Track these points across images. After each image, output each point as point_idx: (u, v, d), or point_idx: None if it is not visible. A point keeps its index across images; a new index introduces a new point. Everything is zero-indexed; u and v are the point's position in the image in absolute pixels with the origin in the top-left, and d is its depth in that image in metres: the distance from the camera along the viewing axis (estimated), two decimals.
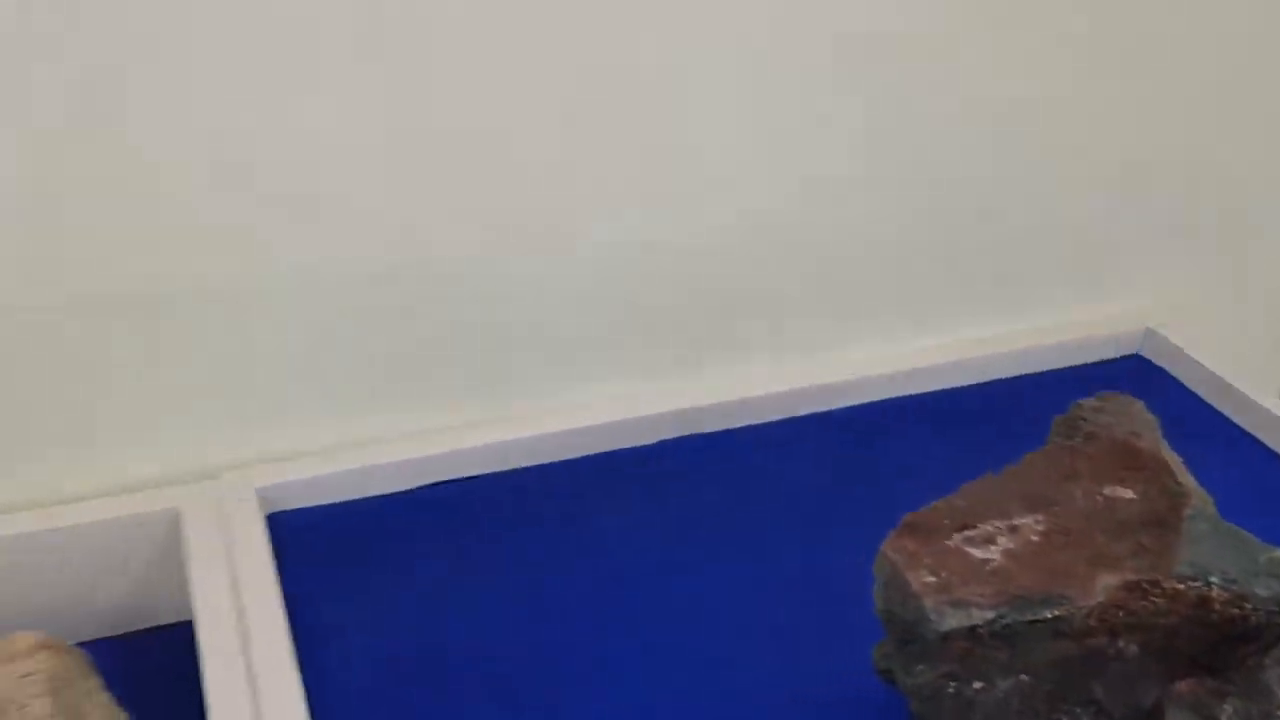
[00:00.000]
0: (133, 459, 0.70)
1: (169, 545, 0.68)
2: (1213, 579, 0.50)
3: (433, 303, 0.72)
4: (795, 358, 0.82)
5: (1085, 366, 0.86)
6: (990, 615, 0.49)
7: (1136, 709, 0.52)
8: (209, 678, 0.58)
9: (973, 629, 0.49)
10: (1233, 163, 0.88)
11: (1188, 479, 0.57)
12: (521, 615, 0.65)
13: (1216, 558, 0.51)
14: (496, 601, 0.66)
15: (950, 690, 0.52)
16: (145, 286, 0.66)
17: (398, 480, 0.73)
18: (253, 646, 0.60)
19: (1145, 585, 0.50)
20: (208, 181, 0.65)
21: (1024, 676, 0.52)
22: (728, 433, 0.78)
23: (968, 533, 0.52)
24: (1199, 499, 0.55)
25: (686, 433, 0.77)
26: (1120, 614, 0.50)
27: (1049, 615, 0.50)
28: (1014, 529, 0.53)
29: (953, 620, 0.49)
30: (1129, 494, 0.55)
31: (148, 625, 0.70)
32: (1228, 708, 0.50)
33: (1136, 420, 0.60)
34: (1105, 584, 0.50)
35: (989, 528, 0.52)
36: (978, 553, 0.51)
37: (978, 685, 0.52)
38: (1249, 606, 0.50)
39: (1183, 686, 0.51)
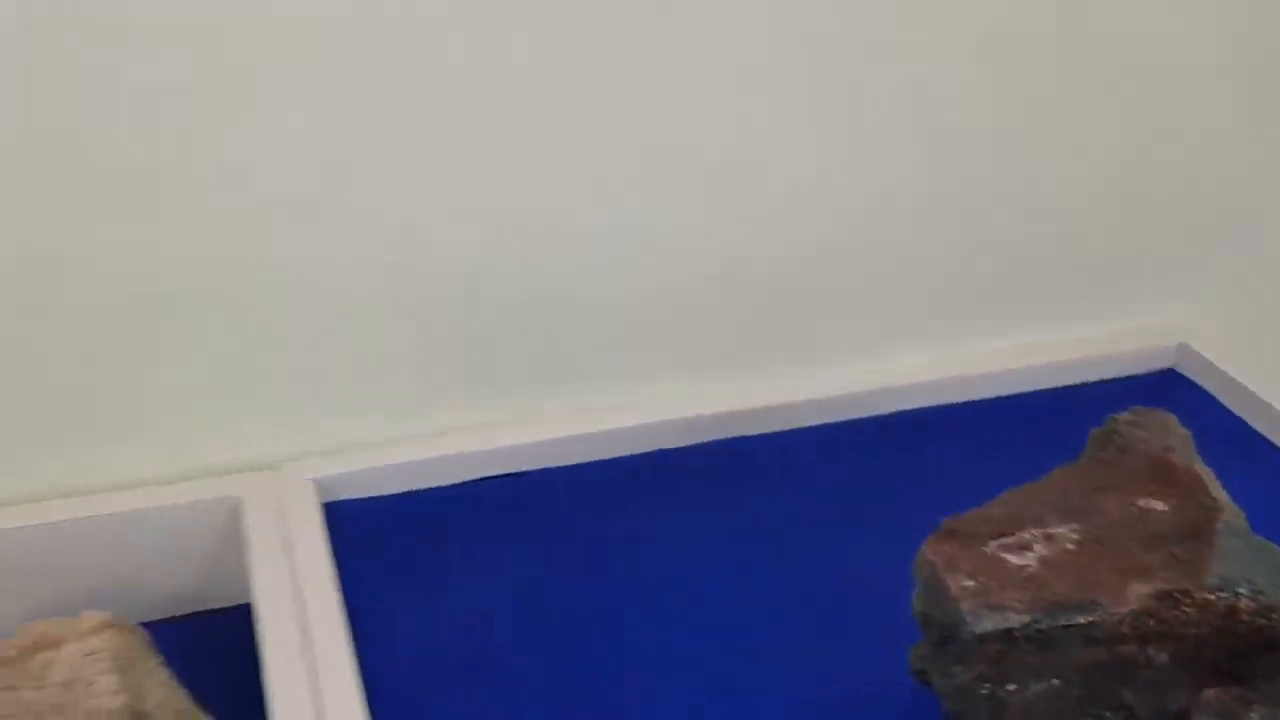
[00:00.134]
0: (196, 448, 0.72)
1: (229, 531, 0.71)
2: (1241, 590, 0.52)
3: (486, 303, 0.74)
4: (833, 364, 0.84)
5: (1120, 380, 0.87)
6: (1025, 619, 0.51)
7: (1164, 714, 0.53)
8: (268, 659, 0.61)
9: (1008, 632, 0.51)
10: (1271, 177, 0.88)
11: (1220, 493, 0.58)
12: (563, 609, 0.67)
13: (1246, 570, 0.53)
14: (541, 594, 0.68)
15: (984, 692, 0.54)
16: (215, 284, 0.69)
17: (450, 474, 0.75)
18: (310, 629, 0.62)
19: (1176, 595, 0.52)
20: (287, 179, 0.67)
21: (1055, 680, 0.53)
22: (766, 436, 0.80)
23: (1004, 540, 0.54)
24: (1231, 513, 0.57)
25: (725, 436, 0.79)
26: (1151, 622, 0.52)
27: (1082, 621, 0.51)
28: (1049, 537, 0.54)
29: (988, 623, 0.51)
30: (1162, 506, 0.57)
31: (206, 608, 0.73)
32: (1254, 715, 0.51)
33: (1170, 434, 0.62)
34: (1137, 593, 0.52)
35: (1025, 535, 0.54)
36: (1014, 559, 0.53)
37: (1011, 687, 0.53)
38: (1276, 617, 0.52)
39: (1210, 694, 0.52)
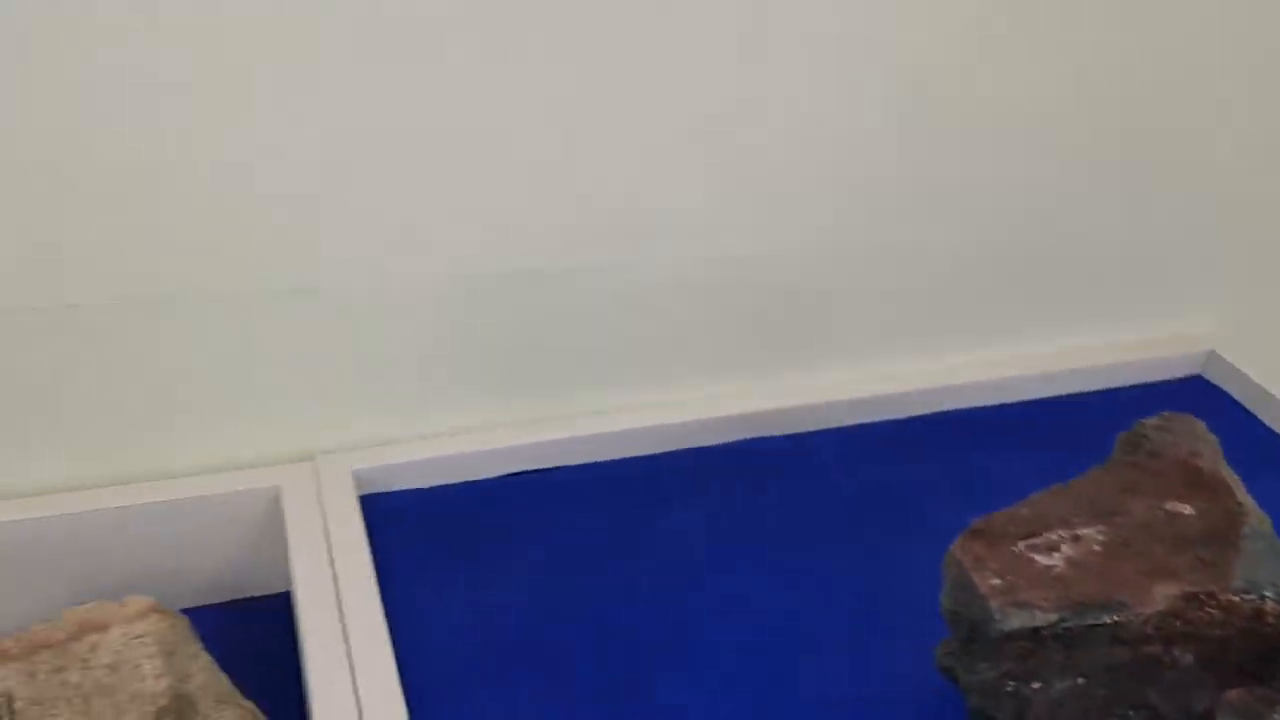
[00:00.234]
0: (238, 439, 0.74)
1: (268, 521, 0.72)
2: (1266, 593, 0.53)
3: (522, 303, 0.75)
4: (864, 367, 0.85)
5: (1148, 386, 0.87)
6: (1052, 618, 0.52)
7: (1189, 715, 0.54)
8: (307, 645, 0.62)
9: (1035, 630, 0.52)
10: None
11: (1246, 498, 0.59)
12: (594, 602, 0.68)
13: (1271, 573, 0.53)
14: (569, 587, 0.69)
15: (1009, 689, 0.54)
16: (263, 284, 0.70)
17: (483, 469, 0.76)
18: (348, 616, 0.63)
19: (1202, 597, 0.53)
20: (317, 177, 0.68)
21: (1080, 679, 0.54)
22: (794, 436, 0.81)
23: (1032, 540, 0.55)
24: (1256, 518, 0.58)
25: (758, 435, 0.80)
26: (1177, 623, 0.53)
27: (1108, 621, 0.52)
28: (1076, 538, 0.55)
29: (1016, 621, 0.52)
30: (1188, 510, 0.57)
31: (244, 595, 0.74)
32: (1277, 716, 0.52)
33: (1198, 440, 0.62)
34: (1163, 594, 0.53)
35: (1053, 536, 0.55)
36: (1041, 559, 0.54)
37: (1035, 685, 0.54)
38: None
39: (1233, 694, 0.53)
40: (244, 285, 0.70)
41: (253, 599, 0.74)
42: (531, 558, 0.71)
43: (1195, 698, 0.54)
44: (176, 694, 0.60)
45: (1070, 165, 0.82)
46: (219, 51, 0.63)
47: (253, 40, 0.64)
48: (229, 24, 0.63)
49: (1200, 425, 0.64)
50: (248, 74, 0.64)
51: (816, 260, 0.80)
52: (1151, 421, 0.63)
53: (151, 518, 0.70)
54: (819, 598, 0.69)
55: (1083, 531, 0.56)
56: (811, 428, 0.81)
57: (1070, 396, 0.86)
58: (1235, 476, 0.60)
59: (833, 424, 0.82)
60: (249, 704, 0.63)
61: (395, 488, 0.75)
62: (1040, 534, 0.55)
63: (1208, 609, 0.53)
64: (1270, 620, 0.52)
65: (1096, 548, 0.55)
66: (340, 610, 0.64)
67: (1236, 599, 0.53)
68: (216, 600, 0.74)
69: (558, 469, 0.77)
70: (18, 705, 0.59)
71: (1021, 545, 0.55)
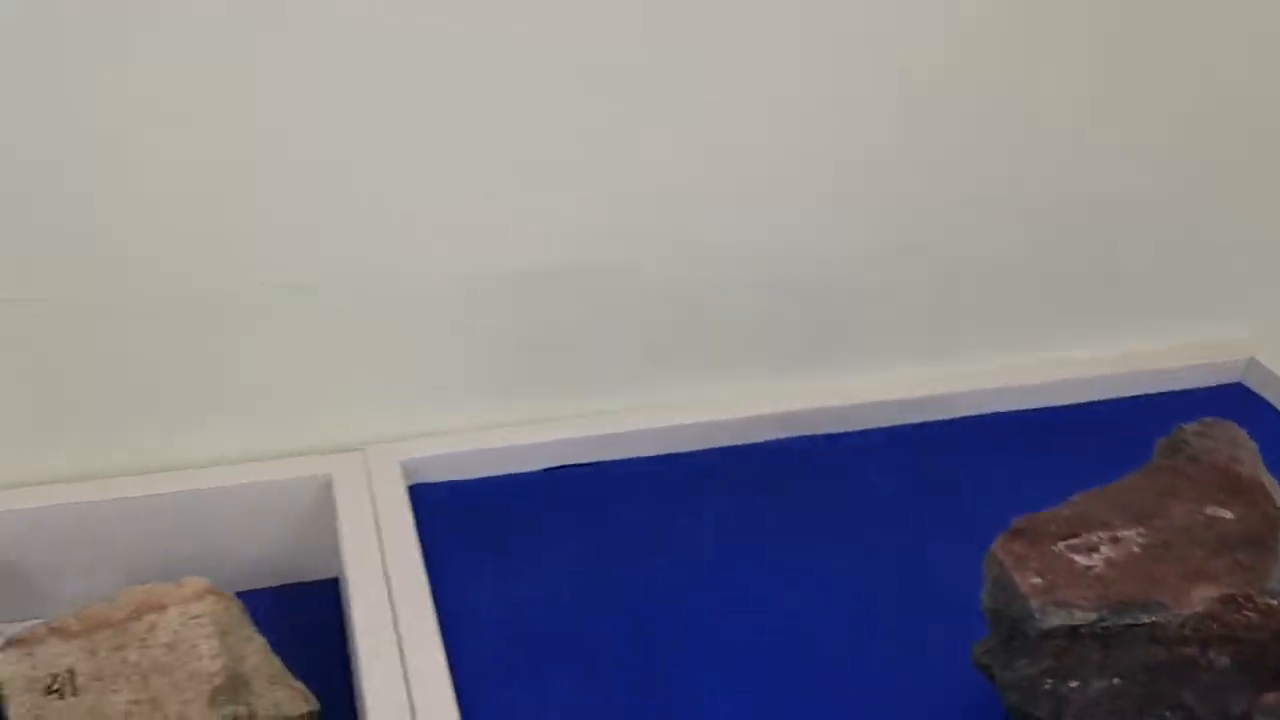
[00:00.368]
0: (292, 428, 0.76)
1: (319, 508, 0.74)
2: None
3: (568, 301, 0.77)
4: (905, 369, 0.86)
5: (1188, 392, 0.88)
6: (1091, 617, 0.53)
7: (1224, 717, 0.55)
8: (357, 630, 0.64)
9: (1074, 629, 0.53)
10: None
11: None
12: (629, 595, 0.70)
13: None
14: (608, 579, 0.70)
15: (1046, 687, 0.55)
16: (316, 281, 0.72)
17: (526, 462, 0.78)
18: (397, 601, 0.65)
19: (1240, 599, 0.53)
20: (379, 181, 0.70)
21: (1117, 679, 0.55)
22: (832, 436, 0.82)
23: (1072, 540, 0.56)
24: None
25: (797, 434, 0.81)
26: (1214, 625, 0.53)
27: (1146, 621, 0.53)
28: (1116, 540, 0.56)
29: (1055, 619, 0.53)
30: (1227, 514, 0.58)
31: (293, 580, 0.76)
32: None
33: (1238, 445, 0.63)
34: (1201, 596, 0.53)
35: (1093, 537, 0.56)
36: (1081, 559, 0.55)
37: (1073, 684, 0.55)
38: None
39: (1270, 697, 0.54)
40: (305, 281, 0.72)
41: (301, 584, 0.76)
42: (569, 549, 0.73)
43: (1231, 700, 0.55)
44: (231, 673, 0.62)
45: (1112, 170, 0.83)
46: (299, 50, 0.65)
47: (325, 38, 0.65)
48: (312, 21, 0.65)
49: (1240, 431, 0.64)
50: (308, 74, 0.66)
51: (850, 261, 0.81)
52: (1192, 427, 0.64)
53: (207, 502, 0.72)
54: (852, 596, 0.70)
55: (1122, 533, 0.56)
56: (844, 428, 0.82)
57: (1109, 402, 0.86)
58: (1275, 482, 0.61)
59: (867, 425, 0.83)
60: (299, 684, 0.65)
61: (441, 479, 0.76)
62: (1080, 535, 0.56)
63: (1245, 612, 0.53)
64: None
65: (1136, 549, 0.56)
66: (390, 595, 0.66)
67: (1274, 603, 0.53)
68: (266, 584, 0.75)
69: (597, 464, 0.79)
70: (79, 681, 0.61)
71: (1062, 545, 0.55)
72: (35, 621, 0.65)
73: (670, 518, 0.75)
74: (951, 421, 0.84)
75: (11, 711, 0.60)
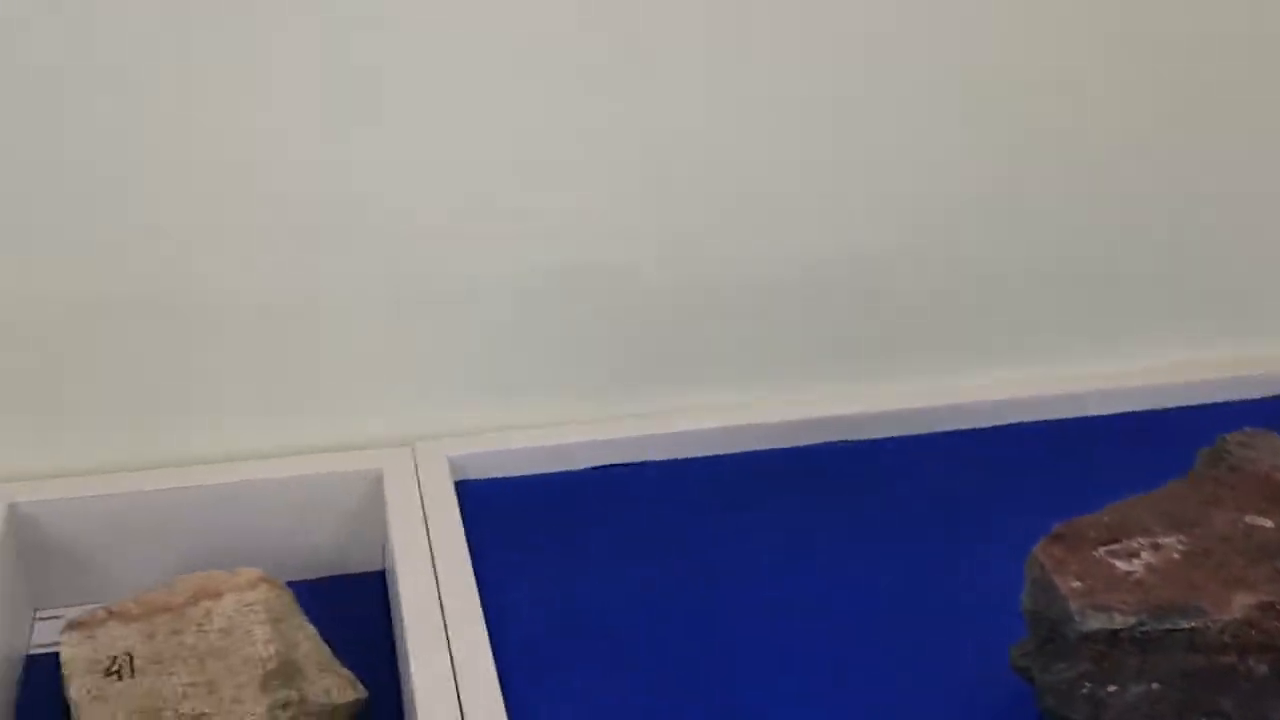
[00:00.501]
0: (343, 423, 0.78)
1: (369, 501, 0.76)
2: None
3: (616, 302, 0.78)
4: (953, 376, 0.86)
5: (1231, 404, 0.88)
6: (1130, 621, 0.53)
7: None
8: (406, 619, 0.65)
9: (1114, 633, 0.53)
10: None
11: None
12: (672, 595, 0.70)
13: None
14: (651, 578, 0.71)
15: (1084, 691, 0.56)
16: (366, 284, 0.74)
17: (571, 460, 0.79)
18: (444, 593, 0.66)
19: (1279, 608, 0.54)
20: (440, 179, 0.72)
21: (1155, 685, 0.55)
22: (876, 441, 0.83)
23: (1113, 546, 0.56)
24: None
25: (846, 438, 0.82)
26: (1253, 632, 0.54)
27: (1185, 626, 0.53)
28: (1156, 546, 0.57)
29: (1095, 622, 0.53)
30: (1269, 524, 0.58)
31: (341, 572, 0.77)
32: None
33: None
34: (1240, 603, 0.54)
35: (1133, 543, 0.56)
36: (1121, 565, 0.55)
37: (1111, 688, 0.55)
38: None
39: None
40: (359, 280, 0.74)
41: (348, 575, 0.78)
42: (613, 547, 0.74)
43: (1270, 708, 0.55)
44: (284, 660, 0.64)
45: (1157, 180, 0.83)
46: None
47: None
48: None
49: None
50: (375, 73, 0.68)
51: (897, 270, 0.82)
52: (1234, 436, 0.64)
53: (261, 494, 0.74)
54: (891, 598, 0.70)
55: (1163, 540, 0.57)
56: (888, 434, 0.83)
57: (1152, 412, 0.86)
58: None
59: (909, 431, 0.83)
60: (347, 672, 0.66)
61: (487, 475, 0.78)
62: (1121, 540, 0.57)
63: None
64: None
65: (1176, 556, 0.56)
66: (437, 588, 0.67)
67: None
68: (314, 575, 0.77)
69: (642, 464, 0.80)
70: (137, 663, 0.63)
71: (1102, 551, 0.56)
72: (96, 606, 0.67)
73: (711, 519, 0.76)
74: (996, 429, 0.84)
75: (73, 691, 0.62)
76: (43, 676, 0.68)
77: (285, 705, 0.62)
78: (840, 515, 0.77)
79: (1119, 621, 0.53)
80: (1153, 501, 0.60)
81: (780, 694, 0.64)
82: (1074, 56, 0.77)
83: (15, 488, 0.71)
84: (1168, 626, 0.53)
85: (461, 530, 0.71)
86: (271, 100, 0.67)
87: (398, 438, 0.78)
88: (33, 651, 0.71)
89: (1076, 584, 0.54)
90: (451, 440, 0.78)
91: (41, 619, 0.73)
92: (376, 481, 0.75)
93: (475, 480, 0.77)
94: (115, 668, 0.63)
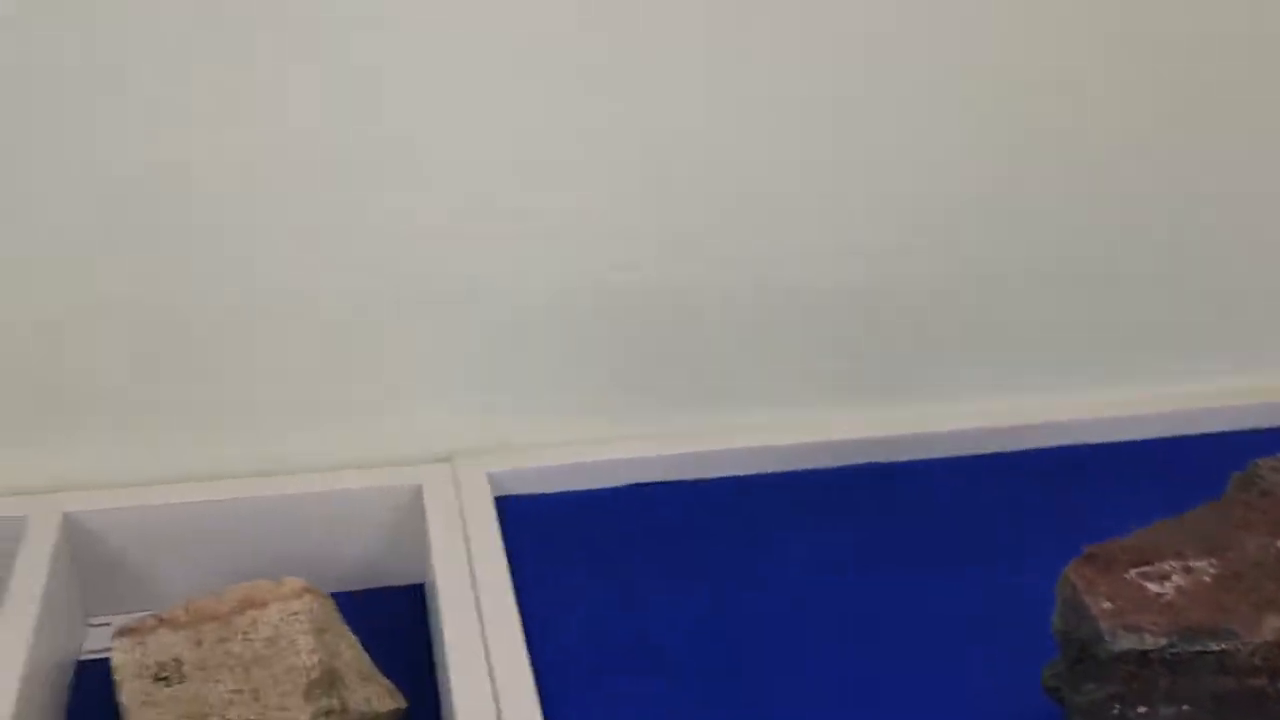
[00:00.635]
0: (385, 438, 0.79)
1: (409, 515, 0.77)
2: None
3: (655, 324, 0.80)
4: (982, 399, 0.87)
5: (1265, 431, 0.88)
6: (1161, 642, 0.54)
7: None
8: (446, 632, 0.66)
9: (1144, 654, 0.54)
10: None
11: None
12: (709, 612, 0.71)
13: None
14: (689, 596, 0.72)
15: (1114, 712, 0.56)
16: (412, 296, 0.75)
17: (610, 477, 0.80)
18: (484, 608, 0.68)
19: None
20: (474, 188, 0.73)
21: (1185, 707, 0.56)
22: (912, 463, 0.83)
23: (1144, 568, 0.57)
24: None
25: (875, 460, 0.83)
26: None
27: (1215, 648, 0.54)
28: (1188, 569, 0.57)
29: (1125, 643, 0.54)
30: None
31: (381, 584, 0.79)
32: None
33: None
34: (1272, 626, 0.54)
35: (1165, 566, 0.57)
36: (1152, 587, 0.56)
37: (1141, 710, 0.56)
38: None
39: None
40: (399, 294, 0.75)
41: (388, 588, 0.79)
42: (651, 564, 0.75)
43: None
44: (327, 669, 0.65)
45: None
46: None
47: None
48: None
49: None
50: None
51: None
52: (1267, 461, 0.64)
53: (306, 506, 0.76)
54: (924, 619, 0.71)
55: (1194, 563, 0.57)
56: (926, 455, 0.84)
57: (1185, 438, 0.87)
58: None
59: (947, 453, 0.84)
60: (387, 682, 0.68)
61: (526, 491, 0.79)
62: (1152, 563, 0.57)
63: None
64: None
65: (1207, 579, 0.57)
66: (477, 601, 0.68)
67: None
68: (355, 587, 0.78)
69: (681, 482, 0.81)
70: (185, 669, 0.65)
71: (1133, 572, 0.57)
72: (146, 613, 0.68)
73: (749, 537, 0.77)
74: (1032, 452, 0.85)
75: (124, 696, 0.63)
76: (94, 682, 0.69)
77: (328, 713, 0.63)
78: (875, 534, 0.77)
79: (1149, 642, 0.54)
80: (1184, 524, 0.61)
81: (814, 713, 0.65)
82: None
83: (69, 497, 0.73)
84: (1198, 648, 0.54)
85: (501, 545, 0.73)
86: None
87: (439, 452, 0.79)
88: (84, 657, 0.73)
89: (1107, 605, 0.55)
90: (490, 455, 0.79)
91: (93, 625, 0.75)
92: (417, 495, 0.77)
93: (514, 496, 0.79)
94: (164, 674, 0.64)
